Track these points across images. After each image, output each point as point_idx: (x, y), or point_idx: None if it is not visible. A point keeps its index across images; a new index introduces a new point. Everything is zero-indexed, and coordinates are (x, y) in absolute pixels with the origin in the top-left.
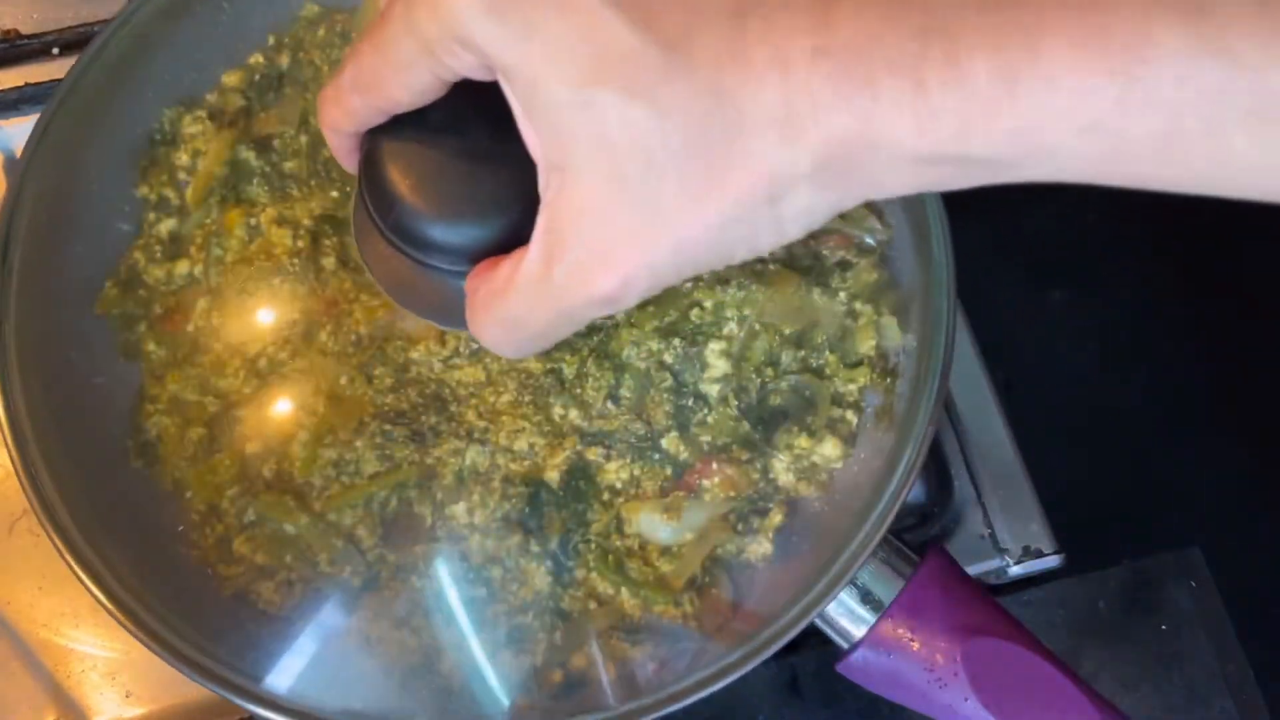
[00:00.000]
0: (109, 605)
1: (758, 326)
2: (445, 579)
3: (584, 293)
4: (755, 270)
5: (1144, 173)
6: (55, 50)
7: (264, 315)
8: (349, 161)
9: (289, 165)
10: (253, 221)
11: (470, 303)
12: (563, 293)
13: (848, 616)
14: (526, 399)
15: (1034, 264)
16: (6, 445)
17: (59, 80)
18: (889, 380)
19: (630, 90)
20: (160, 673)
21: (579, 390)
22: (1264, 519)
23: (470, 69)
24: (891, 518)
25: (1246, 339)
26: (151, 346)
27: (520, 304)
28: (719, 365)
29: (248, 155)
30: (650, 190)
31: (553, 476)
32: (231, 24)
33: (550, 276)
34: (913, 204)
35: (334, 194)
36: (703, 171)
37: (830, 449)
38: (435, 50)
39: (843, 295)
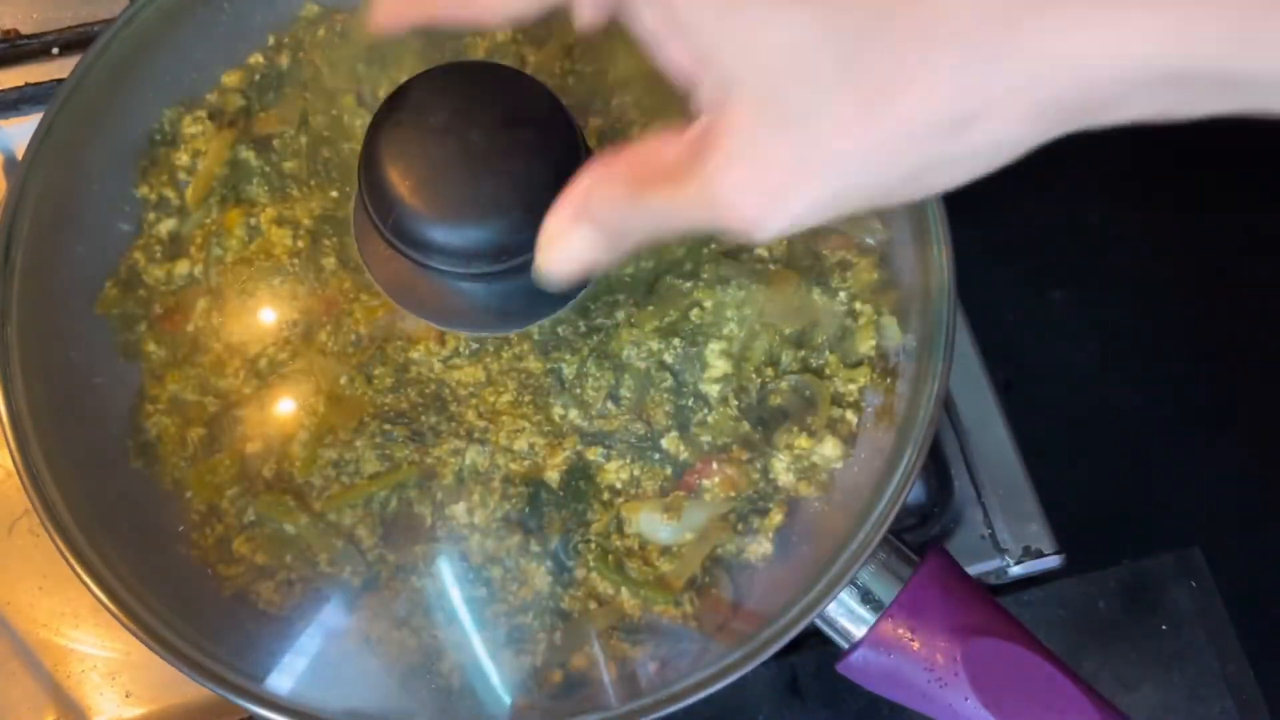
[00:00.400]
0: (110, 605)
1: (758, 326)
2: (445, 579)
3: (723, 213)
4: (755, 270)
5: None
6: (55, 50)
7: (264, 315)
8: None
9: (289, 165)
10: (253, 221)
11: (605, 173)
12: (700, 208)
13: (848, 616)
14: (526, 399)
15: (1034, 264)
16: (8, 445)
17: (59, 80)
18: (889, 380)
19: (815, 2)
20: (160, 673)
21: (579, 390)
22: (1265, 519)
23: None
24: (892, 518)
25: (1247, 339)
26: (151, 346)
27: (655, 205)
28: (719, 365)
29: (248, 155)
30: (811, 109)
31: (553, 476)
32: (231, 24)
33: (691, 189)
34: (912, 205)
35: (334, 194)
36: (876, 85)
37: (830, 449)
38: None
39: (843, 295)
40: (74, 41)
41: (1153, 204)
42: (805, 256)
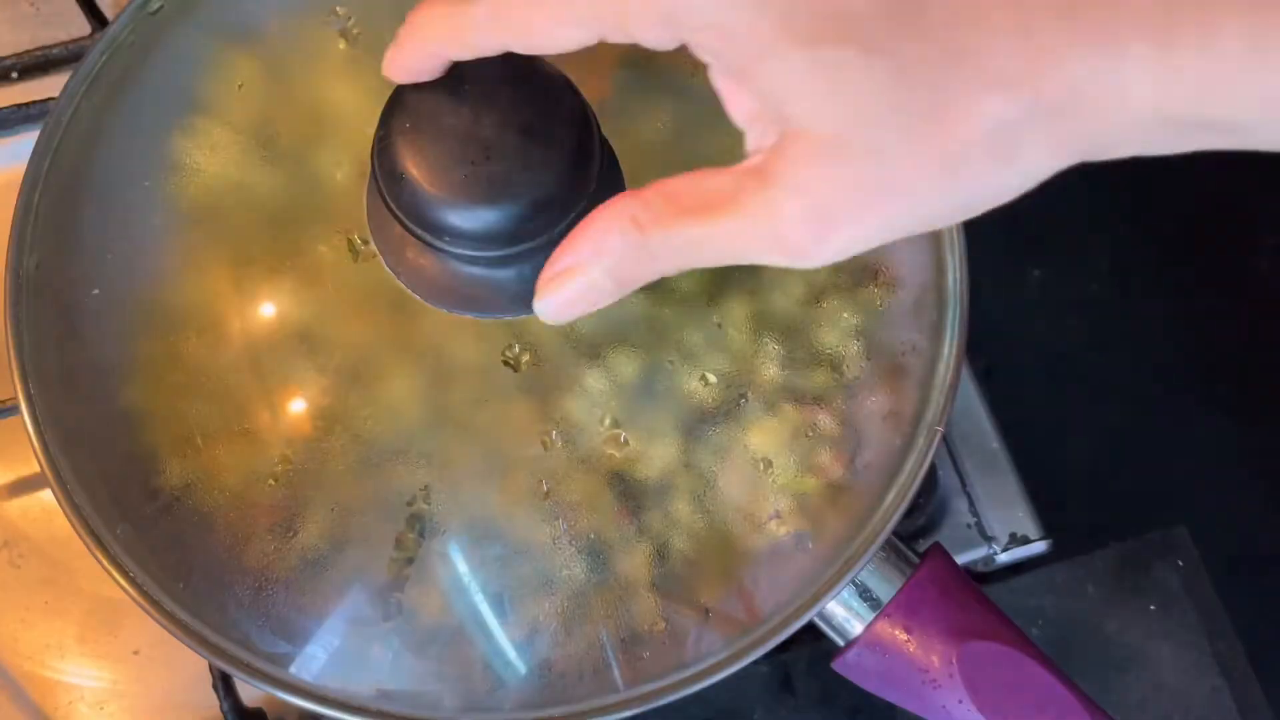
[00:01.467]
0: (135, 595)
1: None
2: (461, 564)
3: (779, 242)
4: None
5: None
6: (14, 75)
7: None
8: (409, 75)
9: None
10: None
11: (647, 198)
12: (754, 237)
13: (845, 614)
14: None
15: (1011, 241)
16: (40, 465)
17: (19, 105)
18: (892, 379)
19: (868, 48)
20: (148, 701)
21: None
22: (1249, 496)
23: (655, 40)
24: (896, 517)
25: (1230, 312)
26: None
27: (715, 229)
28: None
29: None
30: (880, 148)
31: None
32: None
33: (744, 219)
34: None
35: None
36: (936, 128)
37: (832, 448)
38: (628, 25)
39: (844, 295)
40: (33, 65)
41: (1129, 176)
42: None
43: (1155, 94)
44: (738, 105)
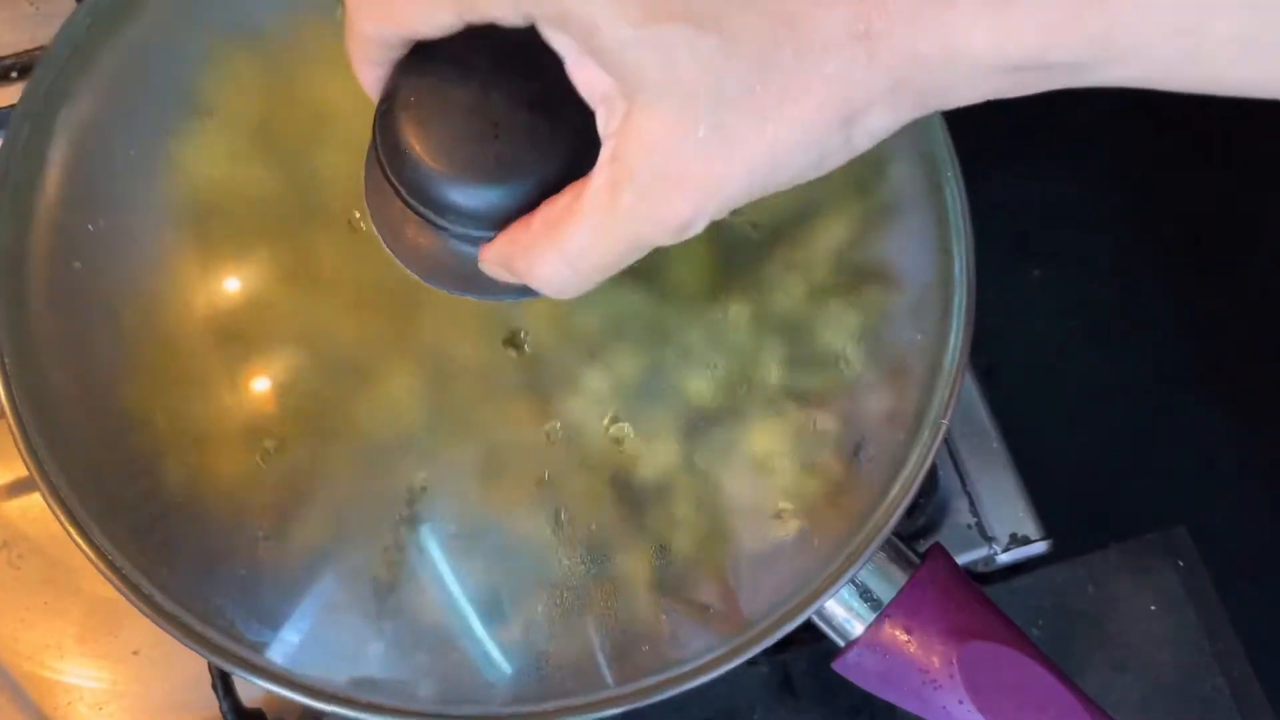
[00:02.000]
0: (132, 596)
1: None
2: (457, 557)
3: (654, 220)
4: (756, 266)
5: (1220, 75)
6: (14, 75)
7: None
8: (369, 85)
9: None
10: None
11: (520, 238)
12: (631, 220)
13: (846, 614)
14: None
15: (1012, 242)
16: (25, 462)
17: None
18: (897, 370)
19: (698, 22)
20: (147, 702)
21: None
22: (1249, 495)
23: (506, 17)
24: (897, 516)
25: (1230, 312)
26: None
27: (584, 233)
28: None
29: None
30: (722, 118)
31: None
32: None
33: (617, 205)
34: (936, 201)
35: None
36: (775, 97)
37: (834, 445)
38: (478, 5)
39: (848, 288)
40: (33, 65)
41: (1125, 175)
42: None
43: (993, 45)
44: (585, 83)
